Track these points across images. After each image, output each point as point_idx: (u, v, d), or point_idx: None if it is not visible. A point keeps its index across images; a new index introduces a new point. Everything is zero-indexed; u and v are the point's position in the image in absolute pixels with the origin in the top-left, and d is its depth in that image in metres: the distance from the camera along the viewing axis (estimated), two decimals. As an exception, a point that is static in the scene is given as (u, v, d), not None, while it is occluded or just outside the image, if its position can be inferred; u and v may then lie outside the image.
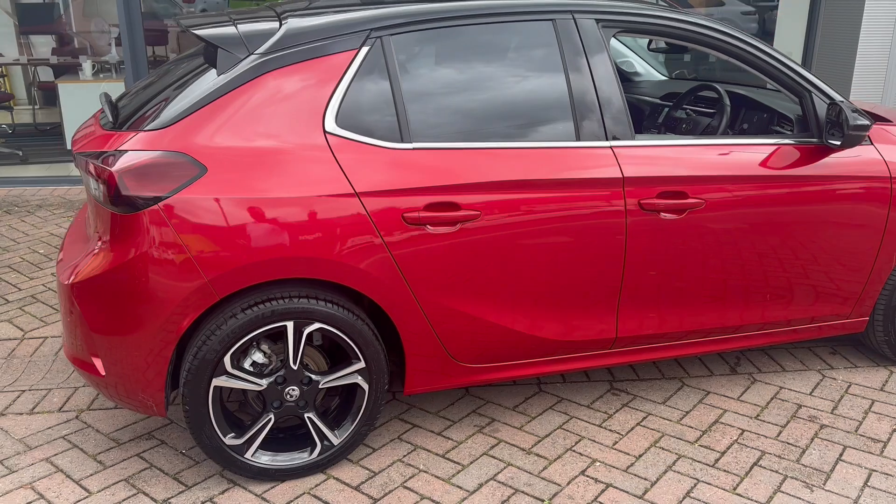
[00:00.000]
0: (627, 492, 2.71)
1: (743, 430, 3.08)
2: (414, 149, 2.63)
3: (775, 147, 3.05)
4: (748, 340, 3.27)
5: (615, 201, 2.81)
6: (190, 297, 2.46)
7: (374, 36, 2.65)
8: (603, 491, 2.71)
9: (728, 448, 2.96)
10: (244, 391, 2.72)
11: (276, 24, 2.67)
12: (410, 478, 2.78)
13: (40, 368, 3.56)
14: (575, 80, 2.81)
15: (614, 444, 2.98)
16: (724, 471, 2.83)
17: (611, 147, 2.83)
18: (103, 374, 2.57)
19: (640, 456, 2.91)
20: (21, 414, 3.20)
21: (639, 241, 2.87)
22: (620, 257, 2.87)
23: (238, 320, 2.52)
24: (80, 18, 8.75)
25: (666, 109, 3.99)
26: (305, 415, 2.72)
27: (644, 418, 3.16)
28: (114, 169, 2.43)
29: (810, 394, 3.36)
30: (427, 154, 2.64)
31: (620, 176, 2.80)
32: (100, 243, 2.55)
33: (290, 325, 2.59)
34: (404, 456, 2.91)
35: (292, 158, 2.52)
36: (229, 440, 2.65)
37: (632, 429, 3.09)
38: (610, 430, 3.08)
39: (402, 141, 2.62)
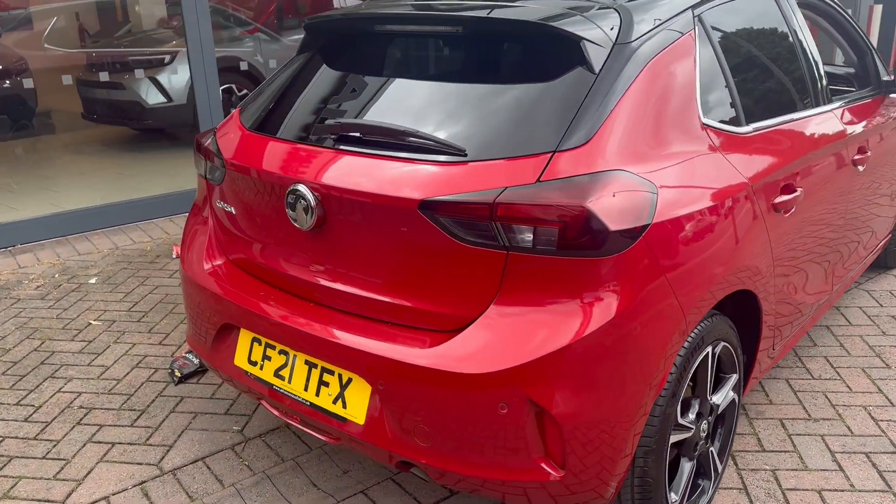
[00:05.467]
0: (923, 421, 2.95)
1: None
2: (754, 131, 2.46)
3: (875, 100, 3.49)
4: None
5: (846, 159, 2.98)
6: (675, 339, 2.00)
7: (696, 14, 2.39)
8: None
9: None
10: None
11: (605, 10, 2.23)
12: (773, 479, 2.62)
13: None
14: (805, 49, 2.89)
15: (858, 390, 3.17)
16: (942, 381, 3.23)
17: (831, 110, 2.97)
18: (560, 474, 1.93)
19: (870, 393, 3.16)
20: None
21: (851, 195, 3.07)
22: (845, 211, 3.04)
23: (681, 357, 2.11)
24: None
25: None
26: (710, 449, 2.39)
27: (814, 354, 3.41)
28: (587, 204, 1.83)
29: (883, 304, 3.94)
30: (764, 136, 2.49)
31: (846, 136, 2.97)
32: (531, 305, 1.90)
33: (709, 349, 2.25)
34: (737, 464, 2.72)
35: (698, 157, 2.18)
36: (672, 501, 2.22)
37: (845, 371, 3.31)
38: (829, 379, 3.25)
39: (740, 124, 2.42)
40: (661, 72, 2.16)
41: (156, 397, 3.24)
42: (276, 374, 2.31)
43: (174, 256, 4.76)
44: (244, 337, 2.42)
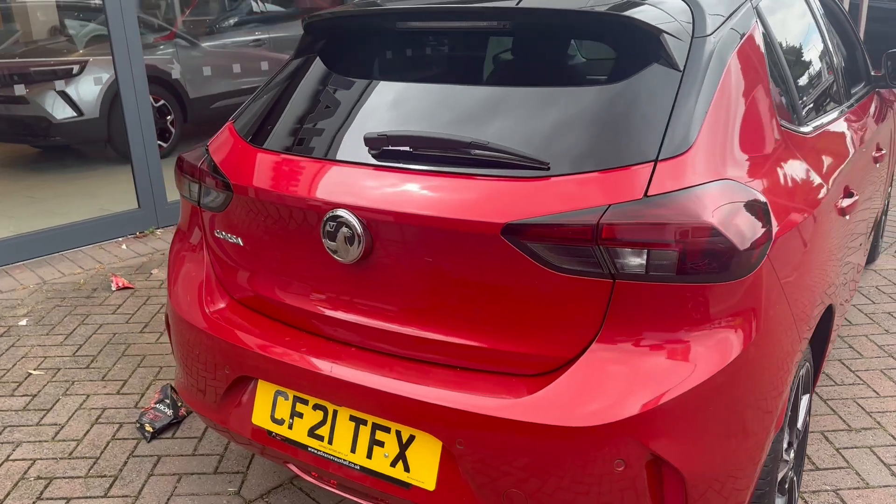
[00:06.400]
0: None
1: None
2: (813, 131, 2.28)
3: (870, 96, 3.42)
4: None
5: (871, 157, 2.88)
6: (792, 368, 1.77)
7: (754, 6, 2.18)
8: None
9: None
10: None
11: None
12: (840, 501, 2.45)
13: None
14: (829, 44, 2.76)
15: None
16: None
17: (853, 108, 2.86)
18: None
19: (913, 393, 3.07)
20: None
21: (871, 193, 2.97)
22: (867, 209, 2.94)
23: (789, 386, 1.89)
24: None
25: None
26: (794, 478, 2.19)
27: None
28: (712, 220, 1.57)
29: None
30: (820, 137, 2.32)
31: (870, 133, 2.87)
32: (645, 337, 1.63)
33: (801, 373, 2.04)
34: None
35: (785, 162, 1.97)
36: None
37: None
38: (853, 384, 3.14)
39: (802, 125, 2.24)
40: (741, 68, 1.93)
41: (128, 458, 2.79)
42: (312, 433, 1.96)
43: (114, 289, 4.25)
44: (264, 390, 2.04)
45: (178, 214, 5.33)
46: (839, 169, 2.29)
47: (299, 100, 2.15)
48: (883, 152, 3.06)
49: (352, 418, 1.90)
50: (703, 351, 1.60)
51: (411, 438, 1.81)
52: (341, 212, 1.81)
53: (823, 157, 2.23)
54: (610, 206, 1.60)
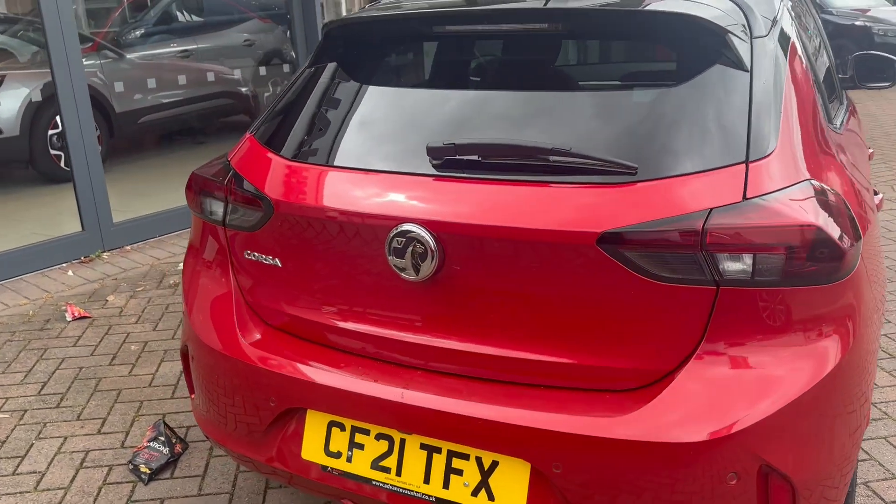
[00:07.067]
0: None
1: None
2: (841, 128, 2.31)
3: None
4: None
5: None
6: (876, 363, 1.77)
7: (787, 8, 2.19)
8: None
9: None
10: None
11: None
12: (873, 493, 2.49)
13: None
14: (827, 46, 2.82)
15: None
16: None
17: (848, 108, 2.93)
18: None
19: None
20: None
21: None
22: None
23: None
24: None
25: None
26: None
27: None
28: (817, 221, 1.54)
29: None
30: (846, 136, 2.34)
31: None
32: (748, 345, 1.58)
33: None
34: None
35: (839, 160, 1.97)
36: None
37: None
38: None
39: (833, 123, 2.26)
40: (796, 68, 1.93)
41: (127, 505, 2.56)
42: (376, 465, 1.82)
43: (70, 319, 3.93)
44: (315, 422, 1.89)
45: (124, 236, 5.01)
46: (868, 166, 2.32)
47: (337, 109, 2.01)
48: (871, 151, 3.15)
49: (423, 446, 1.78)
50: (809, 356, 1.57)
51: (494, 464, 1.70)
52: (410, 226, 1.69)
53: (857, 156, 2.26)
54: (712, 209, 1.55)
